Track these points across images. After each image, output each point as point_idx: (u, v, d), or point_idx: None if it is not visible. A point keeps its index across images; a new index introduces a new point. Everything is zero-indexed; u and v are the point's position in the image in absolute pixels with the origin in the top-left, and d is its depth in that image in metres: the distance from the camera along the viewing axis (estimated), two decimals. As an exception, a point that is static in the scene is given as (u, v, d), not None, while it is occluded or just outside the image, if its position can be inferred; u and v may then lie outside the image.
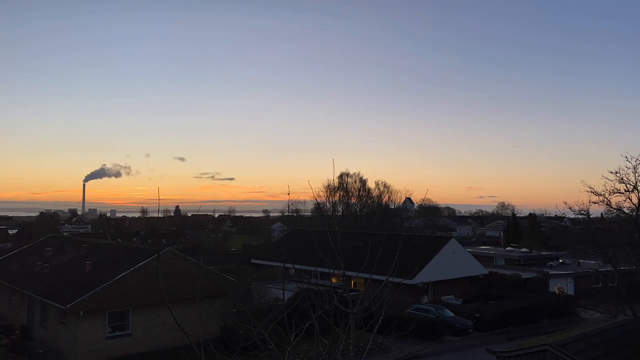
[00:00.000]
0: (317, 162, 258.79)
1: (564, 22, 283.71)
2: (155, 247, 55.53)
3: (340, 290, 9.35)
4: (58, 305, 26.96)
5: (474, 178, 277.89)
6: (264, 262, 53.09)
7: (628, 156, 28.79)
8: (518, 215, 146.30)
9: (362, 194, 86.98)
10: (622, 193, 29.43)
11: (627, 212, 30.28)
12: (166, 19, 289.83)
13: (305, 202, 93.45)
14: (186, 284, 28.74)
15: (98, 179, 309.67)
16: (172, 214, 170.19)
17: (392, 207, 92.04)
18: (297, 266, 39.56)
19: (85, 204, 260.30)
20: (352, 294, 9.15)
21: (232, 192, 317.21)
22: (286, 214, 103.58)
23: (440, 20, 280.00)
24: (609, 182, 29.48)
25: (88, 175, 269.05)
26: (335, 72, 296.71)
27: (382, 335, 8.18)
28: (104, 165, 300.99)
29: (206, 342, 7.15)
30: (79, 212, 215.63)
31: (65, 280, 30.68)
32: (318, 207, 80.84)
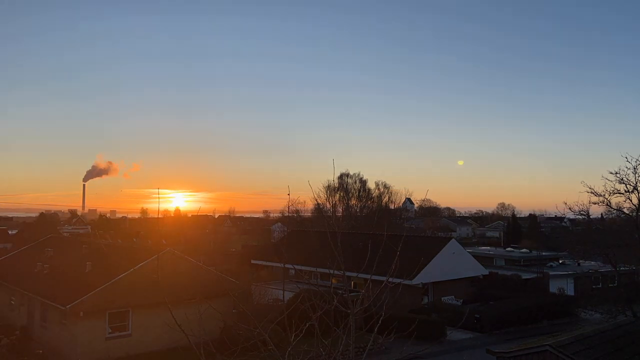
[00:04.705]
0: (317, 162, 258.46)
1: (562, 23, 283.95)
2: (155, 247, 55.53)
3: (340, 291, 9.35)
4: (58, 305, 26.96)
5: (475, 178, 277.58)
6: (264, 263, 53.10)
7: (628, 157, 28.90)
8: (518, 215, 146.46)
9: (362, 195, 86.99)
10: (622, 194, 29.52)
11: (627, 212, 30.33)
12: (163, 19, 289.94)
13: (305, 202, 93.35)
14: (186, 284, 28.89)
15: (98, 178, 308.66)
16: (172, 214, 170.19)
17: (392, 208, 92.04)
18: (297, 267, 39.57)
19: (85, 205, 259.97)
20: (352, 294, 9.15)
21: (232, 197, 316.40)
22: (286, 214, 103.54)
23: (441, 22, 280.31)
24: (609, 182, 29.59)
25: (86, 174, 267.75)
26: (335, 71, 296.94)
27: (382, 336, 8.17)
28: (100, 165, 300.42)
29: (206, 343, 7.15)
30: (79, 213, 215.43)
31: (65, 280, 30.70)
32: (318, 207, 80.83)
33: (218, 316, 25.25)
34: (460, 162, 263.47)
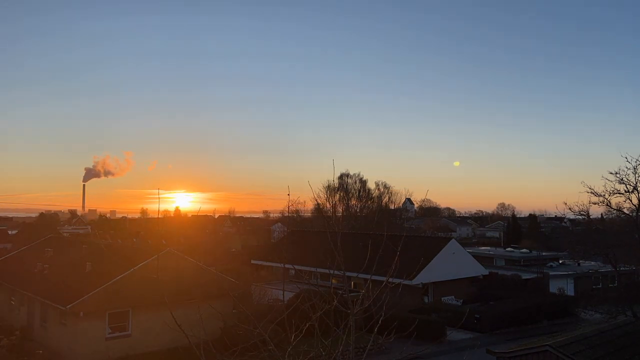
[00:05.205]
0: (317, 162, 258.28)
1: (561, 22, 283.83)
2: (155, 247, 55.57)
3: (340, 291, 9.35)
4: (58, 306, 26.97)
5: (475, 178, 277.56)
6: (264, 263, 53.11)
7: (628, 157, 28.96)
8: (518, 215, 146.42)
9: (362, 195, 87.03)
10: (622, 194, 29.59)
11: (627, 212, 30.37)
12: (162, 19, 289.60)
13: (305, 202, 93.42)
14: (186, 284, 28.93)
15: (97, 179, 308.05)
16: (172, 215, 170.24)
17: (392, 208, 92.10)
18: (297, 267, 39.55)
19: (85, 205, 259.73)
20: (352, 294, 9.14)
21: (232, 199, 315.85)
22: (286, 214, 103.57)
23: (440, 22, 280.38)
24: (609, 182, 29.66)
25: (85, 174, 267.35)
26: (335, 71, 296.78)
27: (382, 336, 8.17)
28: (100, 165, 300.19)
29: (206, 343, 7.16)
30: (79, 213, 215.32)
31: (66, 280, 30.69)
32: (318, 207, 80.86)
33: (218, 316, 25.28)
34: (457, 163, 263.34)
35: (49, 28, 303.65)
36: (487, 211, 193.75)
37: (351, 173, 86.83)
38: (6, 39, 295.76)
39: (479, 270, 48.44)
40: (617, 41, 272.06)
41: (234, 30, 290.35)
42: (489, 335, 35.16)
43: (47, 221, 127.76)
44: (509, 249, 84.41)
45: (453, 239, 51.16)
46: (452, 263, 44.61)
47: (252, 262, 55.15)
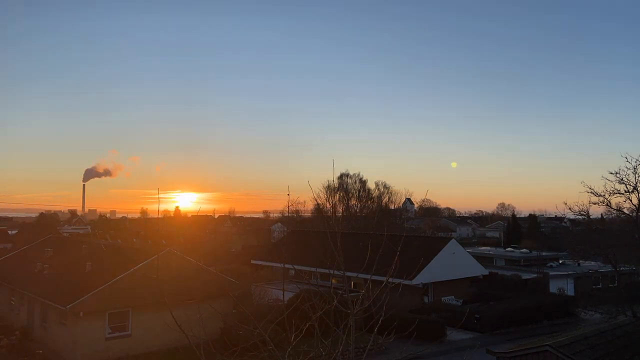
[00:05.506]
0: (317, 162, 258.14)
1: (561, 20, 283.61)
2: (155, 247, 55.55)
3: (340, 291, 9.36)
4: (58, 306, 26.97)
5: (475, 179, 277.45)
6: (264, 263, 53.11)
7: (628, 157, 28.90)
8: (518, 215, 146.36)
9: (362, 195, 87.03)
10: (622, 194, 29.51)
11: (627, 212, 30.32)
12: (162, 19, 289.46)
13: (305, 202, 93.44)
14: (186, 284, 28.94)
15: (97, 178, 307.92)
16: (172, 215, 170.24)
17: (392, 208, 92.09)
18: (297, 267, 39.58)
19: (85, 205, 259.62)
20: (352, 294, 9.13)
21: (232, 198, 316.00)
22: (286, 214, 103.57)
23: (440, 22, 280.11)
24: (609, 182, 29.59)
25: (85, 174, 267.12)
26: (336, 72, 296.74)
27: (382, 336, 8.17)
28: (100, 165, 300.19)
29: (206, 343, 7.16)
30: (79, 213, 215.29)
31: (66, 280, 30.70)
32: (318, 207, 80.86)
33: (218, 316, 25.29)
34: (454, 164, 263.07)
35: (49, 28, 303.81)
36: (487, 211, 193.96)
37: (351, 173, 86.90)
38: (6, 39, 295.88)
39: (479, 270, 48.43)
40: (618, 41, 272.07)
41: (234, 30, 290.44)
42: (489, 335, 35.15)
43: (47, 221, 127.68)
44: (509, 249, 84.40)
45: (453, 239, 51.12)
46: (452, 263, 44.60)
47: (252, 262, 55.13)
